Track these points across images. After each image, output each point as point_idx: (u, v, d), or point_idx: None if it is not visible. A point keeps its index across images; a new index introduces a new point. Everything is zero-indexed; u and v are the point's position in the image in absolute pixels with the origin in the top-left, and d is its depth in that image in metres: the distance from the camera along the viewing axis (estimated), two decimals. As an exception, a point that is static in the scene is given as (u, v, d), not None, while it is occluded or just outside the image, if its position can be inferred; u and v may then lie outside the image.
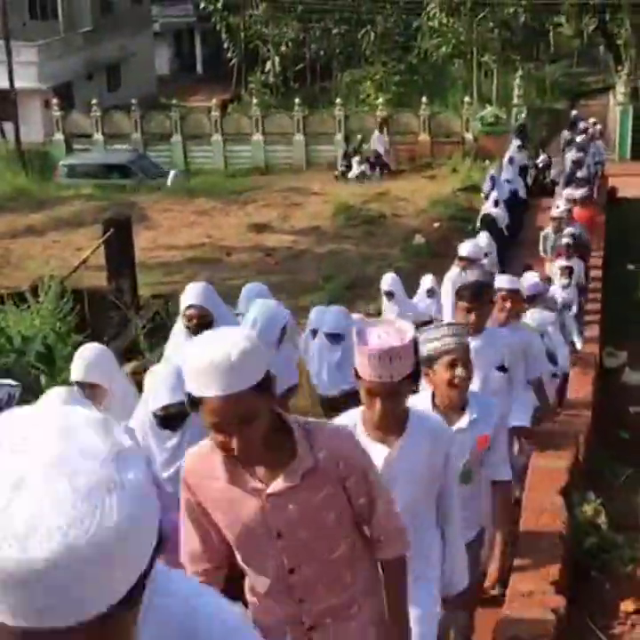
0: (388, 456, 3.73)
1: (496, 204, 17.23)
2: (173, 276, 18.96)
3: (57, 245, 22.15)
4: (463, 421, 4.54)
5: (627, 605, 5.21)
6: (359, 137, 32.49)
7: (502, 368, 6.31)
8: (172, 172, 30.85)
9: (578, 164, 19.71)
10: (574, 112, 29.96)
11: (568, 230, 13.35)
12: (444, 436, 3.83)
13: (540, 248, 15.05)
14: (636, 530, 6.14)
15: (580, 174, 18.47)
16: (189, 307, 6.35)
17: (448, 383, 4.49)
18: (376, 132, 31.63)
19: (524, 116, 29.88)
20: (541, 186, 23.81)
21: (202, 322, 6.12)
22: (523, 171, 22.04)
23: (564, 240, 12.88)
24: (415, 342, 3.62)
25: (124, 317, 13.21)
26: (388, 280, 11.63)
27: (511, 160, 21.17)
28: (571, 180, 18.68)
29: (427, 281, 12.14)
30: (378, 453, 3.65)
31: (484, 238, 13.34)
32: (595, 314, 13.31)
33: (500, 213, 16.94)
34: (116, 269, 14.49)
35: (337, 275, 18.80)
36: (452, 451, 3.87)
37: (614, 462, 8.28)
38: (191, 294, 6.40)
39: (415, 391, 3.97)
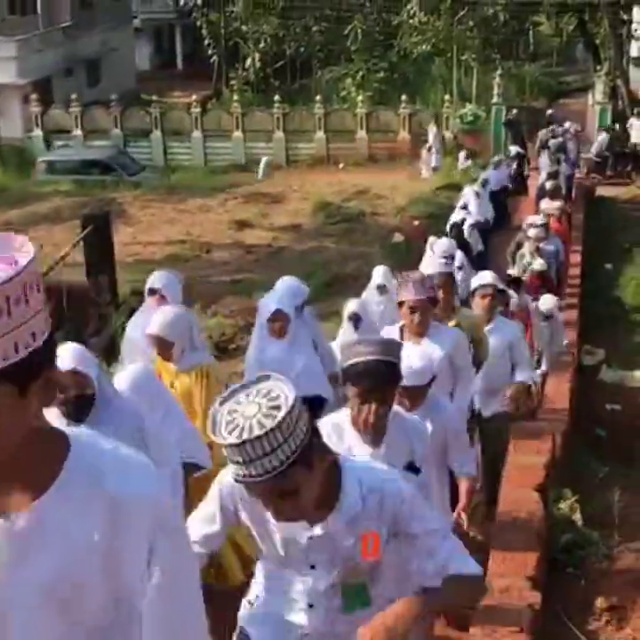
0: None
1: (465, 207, 16.95)
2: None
3: (35, 242, 22.03)
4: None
5: (601, 602, 5.26)
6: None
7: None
8: (263, 161, 30.04)
9: (552, 175, 18.87)
10: (550, 111, 30.00)
11: (537, 264, 12.74)
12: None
13: (514, 270, 13.03)
14: (612, 527, 6.19)
15: (548, 186, 17.80)
16: None
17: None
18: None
19: (515, 111, 29.92)
20: (520, 179, 23.77)
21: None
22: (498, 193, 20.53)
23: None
24: None
25: (103, 314, 13.19)
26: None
27: (485, 182, 19.60)
28: (544, 192, 17.84)
29: (377, 275, 10.24)
30: None
31: (445, 242, 11.73)
32: (573, 312, 13.37)
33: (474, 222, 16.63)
34: (95, 266, 14.45)
35: (317, 272, 18.80)
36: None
37: (591, 459, 8.34)
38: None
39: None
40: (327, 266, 19.33)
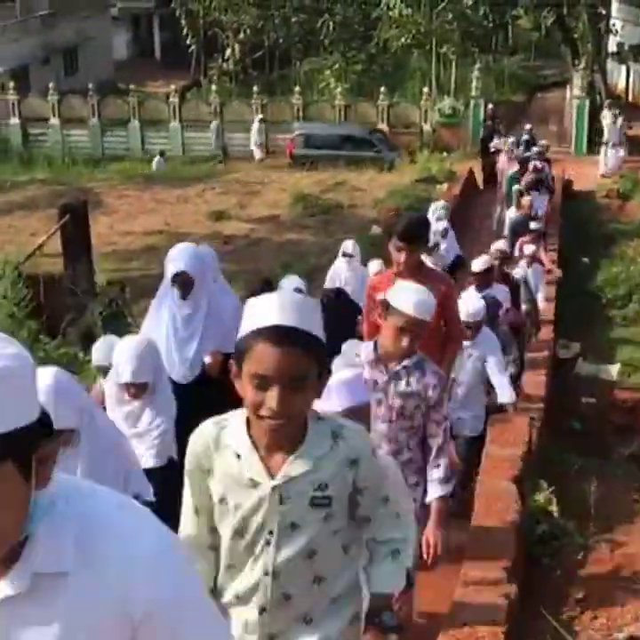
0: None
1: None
2: (130, 262, 18.87)
3: (12, 230, 21.93)
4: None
5: (577, 592, 5.30)
6: None
7: None
8: None
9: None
10: (528, 128, 26.04)
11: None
12: None
13: None
14: (587, 518, 6.23)
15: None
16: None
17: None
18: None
19: (491, 106, 29.83)
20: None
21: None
22: None
23: None
24: None
25: (81, 303, 13.14)
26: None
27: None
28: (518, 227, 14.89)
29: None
30: None
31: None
32: (549, 305, 13.42)
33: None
34: (72, 255, 14.36)
35: (294, 263, 18.79)
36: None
37: (566, 452, 8.39)
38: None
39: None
40: (305, 257, 19.32)
